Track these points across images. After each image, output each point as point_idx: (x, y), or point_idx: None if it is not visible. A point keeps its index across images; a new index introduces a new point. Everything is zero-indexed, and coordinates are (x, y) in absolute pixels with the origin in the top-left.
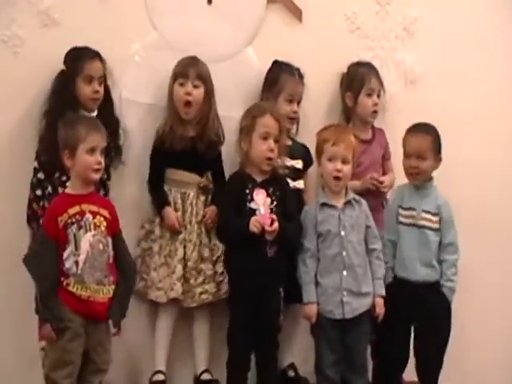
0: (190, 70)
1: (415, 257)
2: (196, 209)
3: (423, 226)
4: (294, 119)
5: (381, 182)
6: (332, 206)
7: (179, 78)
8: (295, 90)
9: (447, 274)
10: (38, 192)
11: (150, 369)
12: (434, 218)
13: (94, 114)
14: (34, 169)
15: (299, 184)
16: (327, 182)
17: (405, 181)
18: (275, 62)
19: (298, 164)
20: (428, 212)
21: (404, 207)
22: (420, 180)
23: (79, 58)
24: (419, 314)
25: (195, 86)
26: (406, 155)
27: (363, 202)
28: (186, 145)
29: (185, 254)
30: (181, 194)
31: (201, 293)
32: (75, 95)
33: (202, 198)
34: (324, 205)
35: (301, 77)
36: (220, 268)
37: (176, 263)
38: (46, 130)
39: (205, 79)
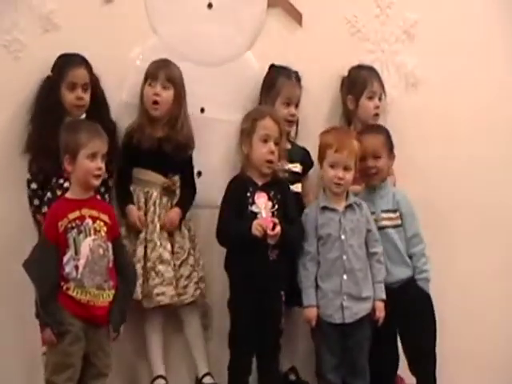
0: (160, 71)
1: (386, 258)
2: (159, 209)
3: (385, 227)
4: (292, 122)
5: None
6: (333, 210)
7: (149, 78)
8: (292, 92)
9: (418, 265)
10: (36, 202)
11: (147, 374)
12: (394, 215)
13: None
14: (27, 181)
15: (297, 188)
16: (328, 186)
17: (404, 182)
18: (272, 66)
19: (296, 168)
20: (387, 211)
21: None
22: (378, 180)
23: (63, 64)
24: (402, 313)
25: (164, 88)
26: (362, 158)
27: (364, 205)
28: (152, 144)
29: (145, 253)
30: (144, 193)
31: (157, 294)
32: (59, 101)
33: (165, 198)
34: (325, 208)
35: (298, 80)
36: (186, 271)
37: (136, 262)
38: (32, 137)
39: (175, 82)
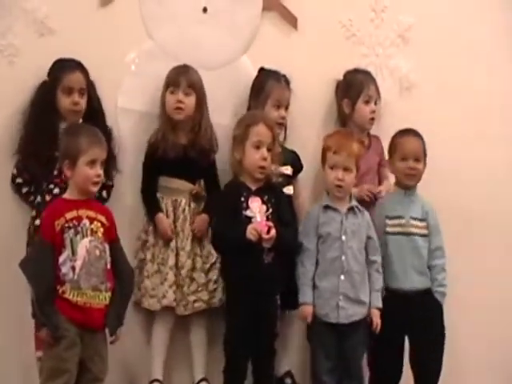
0: (181, 78)
1: (408, 265)
2: (188, 216)
3: (412, 233)
4: (282, 124)
5: (375, 196)
6: (335, 210)
7: (170, 86)
8: (282, 95)
9: (438, 278)
10: (24, 190)
11: (145, 377)
12: (422, 224)
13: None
14: (12, 175)
15: (288, 190)
16: (330, 190)
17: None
18: (261, 70)
19: (287, 170)
20: (416, 218)
21: (391, 216)
22: (416, 181)
23: (60, 69)
24: (413, 323)
25: (186, 94)
26: (403, 158)
27: (366, 212)
28: (178, 152)
29: (178, 261)
30: (172, 201)
31: (194, 301)
32: (56, 107)
33: (194, 205)
34: (327, 207)
35: (287, 82)
36: (214, 276)
37: (168, 270)
38: (24, 141)
39: (196, 87)
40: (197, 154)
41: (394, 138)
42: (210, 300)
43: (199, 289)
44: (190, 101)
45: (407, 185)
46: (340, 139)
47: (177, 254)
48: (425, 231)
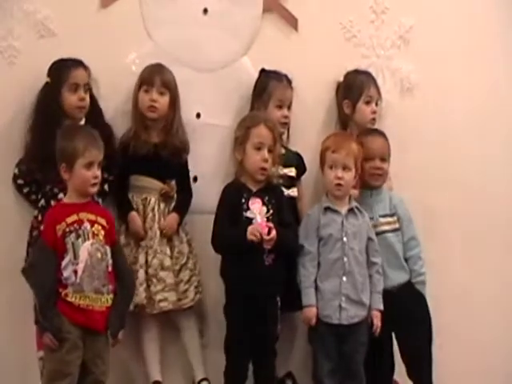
0: (156, 77)
1: (385, 264)
2: (157, 215)
3: (383, 232)
4: (285, 124)
5: None
6: (335, 211)
7: (144, 84)
8: (284, 94)
9: (415, 269)
10: (25, 190)
11: (144, 380)
12: (392, 219)
13: (82, 122)
14: (14, 175)
15: (293, 192)
16: (330, 190)
17: (400, 186)
18: (262, 71)
19: (291, 172)
20: (385, 215)
21: None
22: (382, 181)
23: (63, 67)
24: (398, 317)
25: (160, 93)
26: (369, 158)
27: (365, 213)
28: (148, 150)
29: (146, 260)
30: (142, 199)
31: (160, 300)
32: (60, 106)
33: (163, 204)
34: (328, 209)
35: (289, 82)
36: (186, 276)
37: (138, 268)
38: (31, 144)
39: (170, 87)
40: (168, 153)
41: (357, 138)
42: (180, 301)
43: (166, 288)
44: (164, 100)
45: (373, 185)
46: (338, 139)
47: (146, 253)
48: (396, 225)
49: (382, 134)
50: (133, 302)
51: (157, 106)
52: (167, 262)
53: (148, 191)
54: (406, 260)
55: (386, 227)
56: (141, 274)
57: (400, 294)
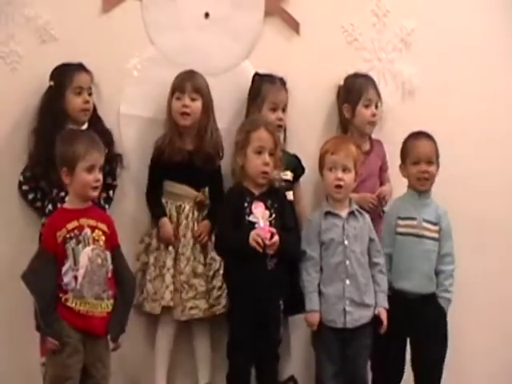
0: (187, 83)
1: (414, 267)
2: (191, 223)
3: (423, 236)
4: (280, 127)
5: (380, 200)
6: (336, 215)
7: (176, 91)
8: (277, 97)
9: (445, 284)
10: (26, 188)
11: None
12: (434, 228)
13: (85, 127)
14: (19, 182)
15: (288, 195)
16: (330, 192)
17: (402, 190)
18: (256, 75)
19: (287, 175)
20: (428, 221)
21: (403, 217)
22: (429, 185)
23: (67, 71)
24: (415, 326)
25: (192, 99)
26: (415, 161)
27: (366, 215)
28: (183, 157)
29: (177, 266)
30: (176, 206)
31: (191, 307)
32: (64, 109)
33: (197, 212)
34: (328, 213)
35: (283, 84)
36: (218, 283)
37: (165, 272)
38: (35, 149)
39: (202, 92)
40: (202, 160)
41: (405, 141)
42: (212, 308)
43: (197, 296)
44: (196, 106)
45: (420, 189)
46: (337, 141)
47: (176, 259)
48: (436, 235)
49: (428, 136)
50: (159, 304)
51: (189, 111)
52: (200, 270)
53: (182, 199)
54: (437, 273)
55: (427, 233)
56: (168, 277)
57: (422, 303)
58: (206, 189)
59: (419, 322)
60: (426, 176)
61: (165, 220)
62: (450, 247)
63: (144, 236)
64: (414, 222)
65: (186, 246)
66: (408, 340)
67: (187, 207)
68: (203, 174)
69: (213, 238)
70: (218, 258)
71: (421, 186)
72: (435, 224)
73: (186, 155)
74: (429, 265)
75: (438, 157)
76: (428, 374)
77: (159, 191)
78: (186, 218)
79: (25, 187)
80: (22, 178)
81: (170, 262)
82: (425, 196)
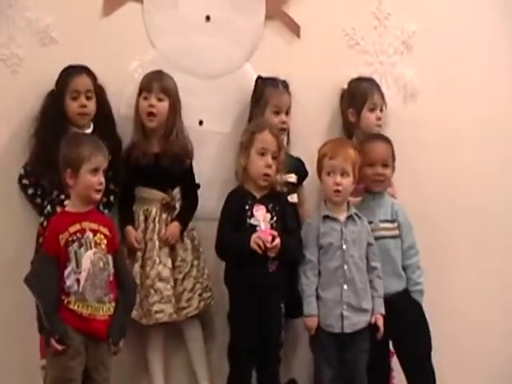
0: (154, 83)
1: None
2: (158, 226)
3: (382, 237)
4: (283, 130)
5: None
6: (334, 219)
7: (143, 91)
8: (280, 100)
9: (413, 278)
10: (30, 191)
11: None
12: (392, 225)
13: (89, 130)
14: (20, 176)
15: (292, 198)
16: (328, 196)
17: (404, 192)
18: (259, 78)
19: (291, 178)
20: (385, 221)
21: None
22: (383, 187)
23: (65, 75)
24: (395, 325)
25: (159, 100)
26: (371, 163)
27: (364, 218)
28: (149, 161)
29: (144, 271)
30: (143, 210)
31: (156, 311)
32: (64, 114)
33: (164, 214)
34: (326, 217)
35: (286, 87)
36: (189, 284)
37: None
38: (36, 152)
39: (169, 93)
40: (169, 161)
41: (360, 144)
42: (182, 311)
43: (162, 300)
44: (163, 106)
45: (375, 191)
46: (335, 145)
47: (144, 264)
48: (396, 232)
49: (385, 139)
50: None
51: (155, 111)
52: (165, 273)
53: (149, 202)
54: (404, 268)
55: (385, 232)
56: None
57: (395, 301)
58: (175, 190)
59: (398, 321)
60: (381, 178)
61: (128, 228)
62: (411, 239)
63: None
64: (372, 226)
65: (151, 249)
66: (391, 342)
67: (154, 210)
68: (171, 176)
69: (185, 239)
70: (188, 259)
71: (376, 188)
72: (392, 221)
73: (152, 158)
74: (393, 264)
75: (394, 159)
76: (419, 371)
77: (128, 198)
78: (153, 221)
79: (25, 181)
80: (22, 172)
81: (136, 269)
82: (379, 197)
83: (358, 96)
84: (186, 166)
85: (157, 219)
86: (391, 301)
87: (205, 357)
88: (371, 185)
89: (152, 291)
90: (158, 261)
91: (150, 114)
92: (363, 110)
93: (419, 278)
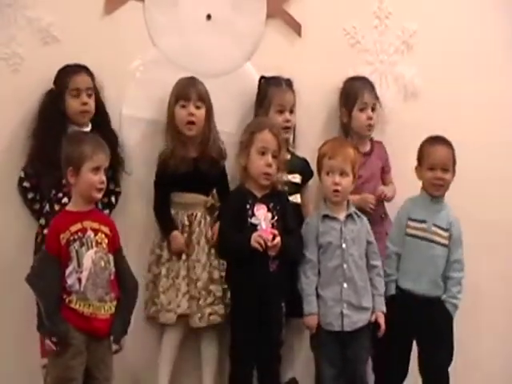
0: (192, 90)
1: (422, 270)
2: (204, 229)
3: (433, 240)
4: (288, 128)
5: (379, 201)
6: (334, 219)
7: (180, 99)
8: (284, 99)
9: (452, 290)
10: (30, 195)
11: None
12: (445, 234)
13: (88, 128)
14: (20, 178)
15: (295, 198)
16: (327, 196)
17: (404, 192)
18: (262, 78)
19: (295, 178)
20: (439, 227)
21: (414, 219)
22: (443, 192)
23: (64, 73)
24: (421, 327)
25: (197, 107)
26: (430, 167)
27: (364, 218)
28: (188, 166)
29: (193, 274)
30: (188, 215)
31: (210, 313)
32: (64, 112)
33: (209, 217)
34: (326, 217)
35: (289, 85)
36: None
37: (180, 281)
38: (36, 150)
39: (205, 99)
40: (207, 165)
41: (422, 145)
42: (226, 313)
43: (216, 302)
44: (201, 114)
45: (433, 195)
46: (334, 145)
47: (190, 267)
48: (446, 241)
49: (446, 142)
50: (175, 313)
51: (195, 120)
52: (216, 275)
53: (193, 207)
54: (446, 279)
55: (436, 238)
56: (183, 286)
57: (428, 306)
58: (214, 191)
59: (425, 324)
60: (440, 183)
61: (175, 233)
62: (459, 254)
63: (154, 248)
64: (424, 226)
65: (200, 252)
66: (415, 342)
67: (199, 214)
68: (210, 179)
69: None
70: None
71: (434, 192)
72: (446, 230)
73: (190, 164)
74: (436, 270)
75: (454, 164)
76: (433, 378)
77: (167, 204)
78: (199, 225)
79: (25, 183)
80: (23, 174)
81: (184, 271)
82: (437, 201)
83: (350, 96)
84: (221, 169)
85: (202, 223)
86: (423, 303)
87: (216, 358)
88: (430, 188)
89: (204, 293)
90: (208, 263)
91: (190, 122)
92: (354, 110)
93: (459, 293)
